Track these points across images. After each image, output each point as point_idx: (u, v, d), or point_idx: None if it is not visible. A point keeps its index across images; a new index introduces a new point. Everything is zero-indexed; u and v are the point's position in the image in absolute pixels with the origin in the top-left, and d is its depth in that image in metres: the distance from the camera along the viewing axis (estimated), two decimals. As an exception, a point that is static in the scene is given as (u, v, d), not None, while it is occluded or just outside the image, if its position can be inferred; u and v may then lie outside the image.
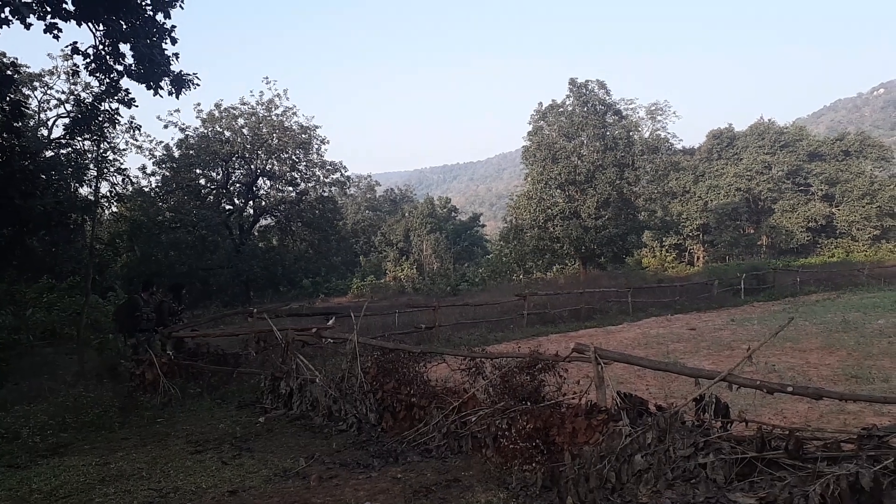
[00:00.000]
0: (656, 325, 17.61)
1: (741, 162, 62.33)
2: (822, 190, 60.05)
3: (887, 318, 15.69)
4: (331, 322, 10.96)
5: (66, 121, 26.77)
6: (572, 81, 42.81)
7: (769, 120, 67.64)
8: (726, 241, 59.40)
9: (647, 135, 45.65)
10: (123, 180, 33.02)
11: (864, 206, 57.42)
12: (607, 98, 43.00)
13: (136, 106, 15.31)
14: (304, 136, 40.60)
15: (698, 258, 60.47)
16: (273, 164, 41.27)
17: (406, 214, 64.24)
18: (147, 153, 37.71)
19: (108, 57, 13.02)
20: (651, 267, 50.46)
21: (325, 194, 44.00)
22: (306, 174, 42.50)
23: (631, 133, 43.13)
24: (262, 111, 39.23)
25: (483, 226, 74.90)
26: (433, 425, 6.37)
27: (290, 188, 42.53)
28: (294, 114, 40.09)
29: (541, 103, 44.04)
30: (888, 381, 8.59)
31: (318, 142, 41.82)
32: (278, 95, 39.47)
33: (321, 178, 43.19)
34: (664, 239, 58.16)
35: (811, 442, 4.56)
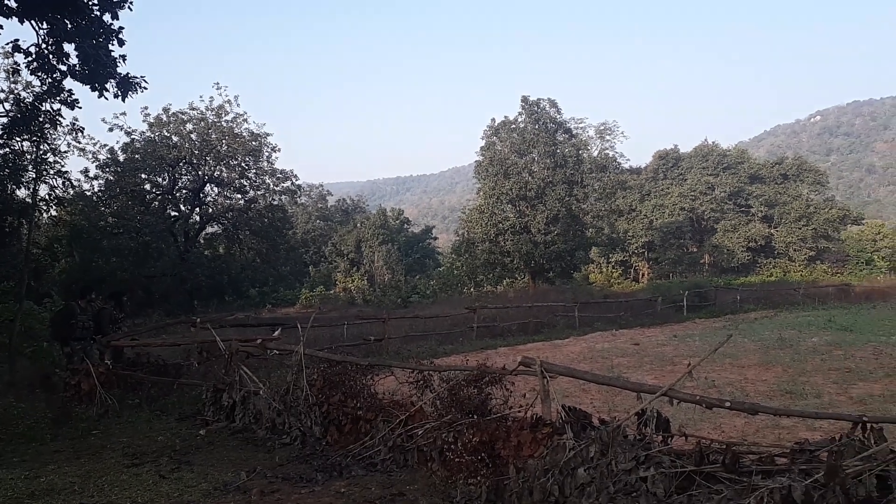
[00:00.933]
0: (602, 340, 17.91)
1: (686, 182, 64.30)
2: (761, 211, 62.45)
3: (821, 336, 16.34)
4: (277, 333, 10.77)
5: (4, 120, 25.65)
6: (525, 99, 43.52)
7: (713, 142, 70.07)
8: (670, 259, 61.08)
9: (595, 153, 46.69)
10: (64, 183, 31.77)
11: (800, 228, 59.96)
12: (558, 116, 43.88)
13: (80, 107, 14.78)
14: (254, 143, 40.00)
15: (643, 275, 61.88)
16: (222, 171, 40.48)
17: (358, 225, 63.84)
18: (90, 156, 36.47)
19: (51, 56, 12.56)
20: (598, 282, 51.43)
21: (275, 203, 43.40)
22: (256, 182, 41.83)
23: (580, 151, 44.07)
24: (211, 117, 38.49)
25: (435, 238, 75.08)
26: (379, 438, 6.31)
27: (239, 195, 41.77)
28: (245, 120, 39.49)
29: (493, 119, 44.70)
30: (820, 396, 8.94)
31: (269, 149, 41.28)
32: (229, 101, 38.84)
33: (271, 186, 42.60)
34: (611, 255, 59.40)
35: (747, 456, 4.68)
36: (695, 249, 64.03)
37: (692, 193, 62.54)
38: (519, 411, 5.83)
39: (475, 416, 5.82)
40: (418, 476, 5.75)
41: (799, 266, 58.68)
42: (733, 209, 63.39)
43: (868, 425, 4.54)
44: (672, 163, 68.22)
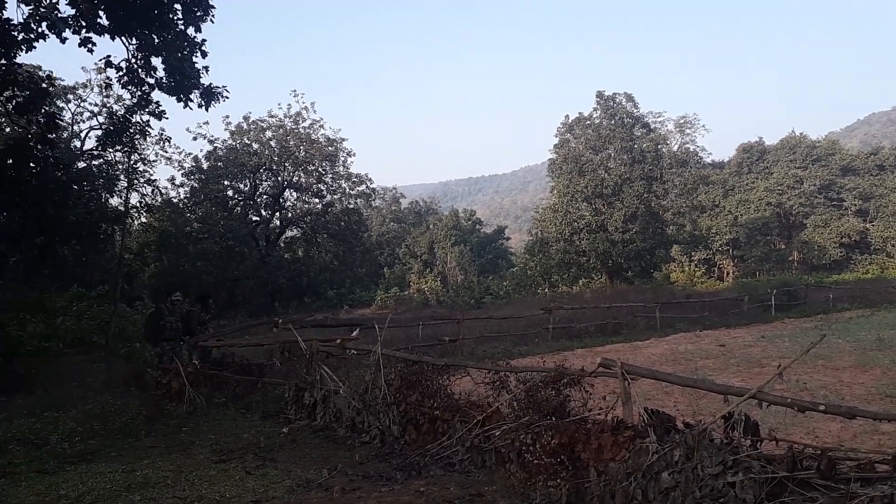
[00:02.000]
0: (684, 341, 17.33)
1: (772, 176, 61.43)
2: (855, 205, 58.88)
3: (924, 336, 15.26)
4: (355, 333, 10.98)
5: (99, 132, 27.42)
6: (599, 94, 42.74)
7: (801, 134, 66.65)
8: (756, 257, 58.41)
9: (675, 148, 45.29)
10: (153, 191, 33.74)
11: (900, 222, 56.13)
12: (635, 111, 42.83)
13: (167, 118, 15.62)
14: (330, 148, 41.03)
15: (728, 273, 59.52)
16: (300, 176, 41.73)
17: (430, 227, 64.35)
18: (176, 164, 38.52)
19: (139, 70, 13.30)
20: (679, 282, 49.79)
21: (351, 206, 44.34)
22: (332, 186, 42.89)
23: (659, 146, 42.84)
24: (289, 124, 39.75)
25: (508, 238, 74.72)
26: (456, 439, 6.33)
27: (316, 200, 42.94)
28: (321, 126, 40.59)
29: (567, 116, 44.09)
30: (926, 401, 8.34)
31: (345, 154, 42.27)
32: (305, 108, 40.00)
33: (347, 189, 43.57)
34: (693, 253, 57.44)
35: (844, 462, 4.42)
36: (783, 246, 60.96)
37: (779, 187, 59.65)
38: (599, 414, 5.71)
39: (553, 418, 5.74)
40: (496, 477, 5.73)
41: (898, 262, 54.94)
42: (824, 203, 60.04)
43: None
44: (757, 156, 65.33)
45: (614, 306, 23.58)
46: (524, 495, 5.19)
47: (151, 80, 13.44)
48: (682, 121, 45.74)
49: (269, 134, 39.80)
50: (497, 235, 70.01)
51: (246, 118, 39.63)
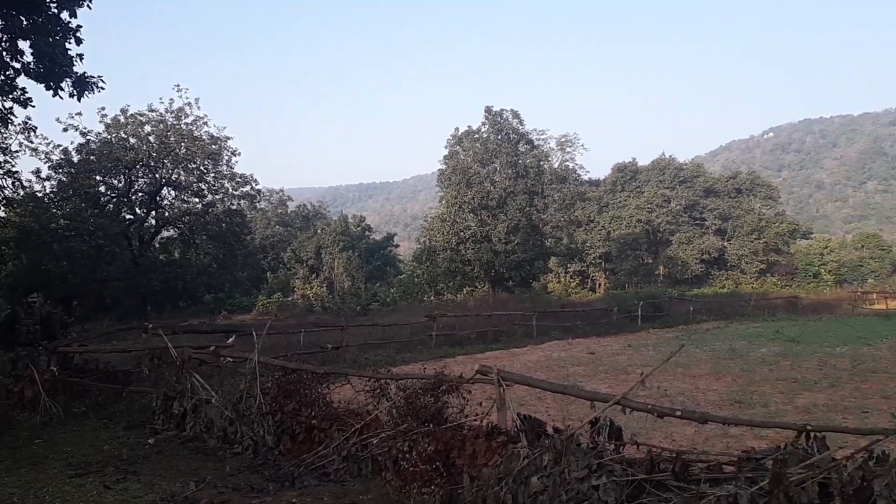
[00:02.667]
0: (558, 349, 18.10)
1: (643, 195, 65.61)
2: (715, 224, 64.14)
3: (769, 346, 16.82)
4: (231, 340, 10.55)
5: (-49, 118, 24.71)
6: (488, 109, 43.91)
7: (670, 156, 71.79)
8: (626, 270, 62.15)
9: (556, 165, 47.34)
10: (14, 184, 30.80)
11: (752, 242, 61.73)
12: (520, 127, 44.36)
13: (34, 106, 14.43)
14: (214, 146, 39.30)
15: (600, 285, 62.80)
16: (179, 174, 39.60)
17: (318, 231, 63.27)
18: (43, 156, 35.25)
19: (4, 53, 12.20)
20: (556, 292, 51.98)
21: (234, 207, 42.65)
22: (214, 186, 41.06)
23: (542, 162, 44.60)
24: (171, 119, 37.65)
25: (397, 246, 74.89)
26: (333, 448, 6.24)
27: (197, 199, 40.93)
28: (205, 123, 38.75)
29: (457, 128, 44.93)
30: (767, 406, 9.19)
31: (229, 153, 40.59)
32: (189, 104, 38.07)
33: (230, 190, 41.86)
34: (569, 265, 60.19)
35: (696, 464, 4.76)
36: (650, 261, 65.31)
37: (649, 206, 63.85)
38: (475, 420, 5.84)
39: (431, 425, 5.81)
40: (372, 486, 5.71)
41: (750, 278, 60.35)
42: (688, 222, 64.94)
43: (812, 434, 4.67)
44: (630, 175, 69.55)
45: (495, 314, 24.24)
46: (398, 503, 5.21)
47: (17, 65, 12.37)
48: (563, 139, 47.96)
49: (147, 129, 37.49)
50: (386, 242, 69.94)
51: (123, 111, 37.10)
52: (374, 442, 6.04)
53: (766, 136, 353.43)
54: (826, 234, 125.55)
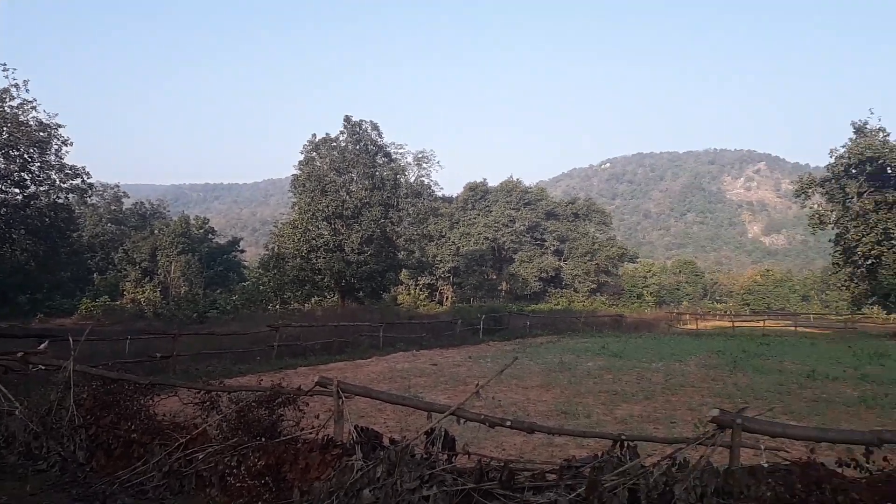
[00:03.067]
0: (403, 360, 18.26)
1: (491, 214, 68.42)
2: (554, 245, 68.42)
3: (595, 361, 18.10)
4: (43, 346, 9.53)
5: None
6: (347, 119, 43.65)
7: (517, 179, 75.61)
8: (472, 284, 64.32)
9: (412, 179, 47.98)
10: None
11: (585, 263, 66.50)
12: (379, 139, 44.57)
13: None
14: (42, 133, 35.71)
15: (447, 298, 64.37)
16: (-1, 161, 35.46)
17: (156, 232, 59.12)
18: None
19: None
20: (405, 304, 52.50)
21: (60, 201, 38.89)
22: (39, 176, 37.21)
23: (398, 176, 45.05)
24: (-8, 100, 33.76)
25: (242, 251, 71.83)
26: (154, 464, 5.82)
27: (17, 190, 36.83)
28: (33, 108, 35.19)
29: (315, 135, 44.25)
30: (590, 416, 9.85)
31: (59, 142, 37.09)
32: (16, 85, 34.38)
33: (57, 182, 38.16)
34: (419, 278, 61.11)
35: (522, 473, 4.98)
36: (494, 276, 68.10)
37: (496, 224, 66.67)
38: (311, 433, 5.72)
39: (263, 439, 5.60)
40: (194, 503, 5.39)
41: (582, 297, 64.81)
42: (530, 242, 68.67)
43: (625, 443, 5.07)
44: (480, 195, 72.24)
45: (342, 325, 23.99)
46: (224, 520, 4.96)
47: None
48: (420, 155, 48.77)
49: (-36, 110, 33.28)
50: (231, 247, 66.91)
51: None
52: (200, 457, 5.71)
53: (603, 165, 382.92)
54: (650, 259, 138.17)
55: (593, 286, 67.11)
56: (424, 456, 5.06)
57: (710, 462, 4.68)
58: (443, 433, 5.27)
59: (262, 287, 44.94)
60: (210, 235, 65.33)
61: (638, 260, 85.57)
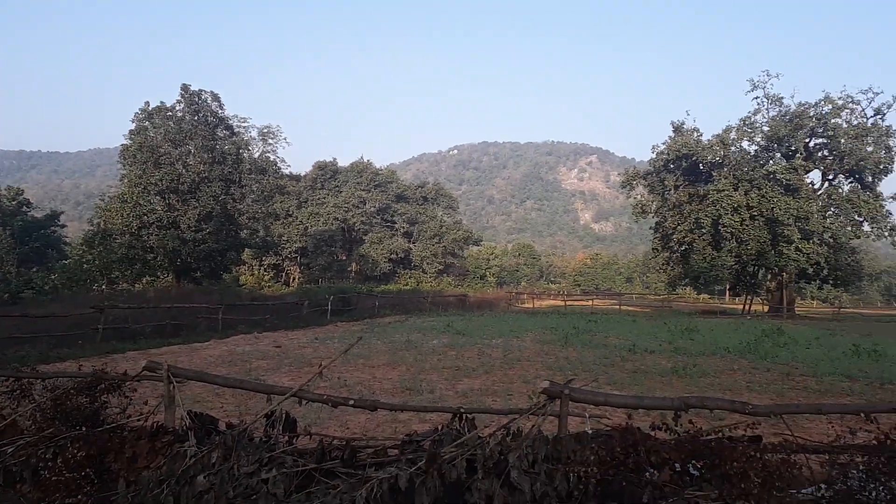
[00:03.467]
0: (244, 343, 17.61)
1: (341, 194, 67.64)
2: (404, 227, 69.15)
3: (440, 338, 18.60)
4: None
5: None
6: (185, 88, 40.86)
7: (368, 161, 75.23)
8: (321, 265, 63.38)
9: (257, 155, 46.08)
10: None
11: (433, 245, 67.96)
12: (220, 111, 42.22)
13: None
14: None
15: (294, 279, 62.91)
16: None
17: (-45, 202, 51.93)
18: None
19: None
20: (248, 285, 50.56)
21: None
22: None
23: (241, 150, 43.02)
24: None
25: (63, 226, 65.11)
26: (-51, 462, 5.15)
27: None
28: None
29: (148, 103, 41.00)
30: (434, 391, 10.12)
31: None
32: None
33: None
34: (264, 258, 59.08)
35: (365, 450, 5.02)
36: (344, 257, 67.59)
37: (346, 205, 66.04)
38: (139, 420, 5.36)
39: (84, 428, 5.16)
40: (3, 500, 4.85)
41: (430, 277, 66.26)
42: (380, 223, 68.88)
43: (464, 416, 5.27)
44: (330, 174, 71.12)
45: (177, 307, 22.64)
46: (36, 518, 4.52)
47: None
48: (265, 130, 46.92)
49: None
50: (49, 221, 60.40)
51: None
52: (10, 451, 5.14)
53: (451, 152, 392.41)
54: (493, 242, 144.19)
55: (440, 267, 68.81)
56: (264, 439, 4.94)
57: (540, 430, 5.00)
58: (283, 415, 5.16)
59: (85, 266, 41.03)
60: (24, 208, 58.58)
61: (482, 243, 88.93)
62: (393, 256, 66.33)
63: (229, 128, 43.19)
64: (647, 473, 4.75)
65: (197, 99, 41.04)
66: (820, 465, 5.00)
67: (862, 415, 5.26)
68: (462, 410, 5.28)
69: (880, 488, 4.60)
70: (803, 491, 4.85)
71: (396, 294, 45.41)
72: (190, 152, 40.78)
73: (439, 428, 5.21)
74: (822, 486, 4.80)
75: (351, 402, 5.37)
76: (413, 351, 15.40)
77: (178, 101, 41.02)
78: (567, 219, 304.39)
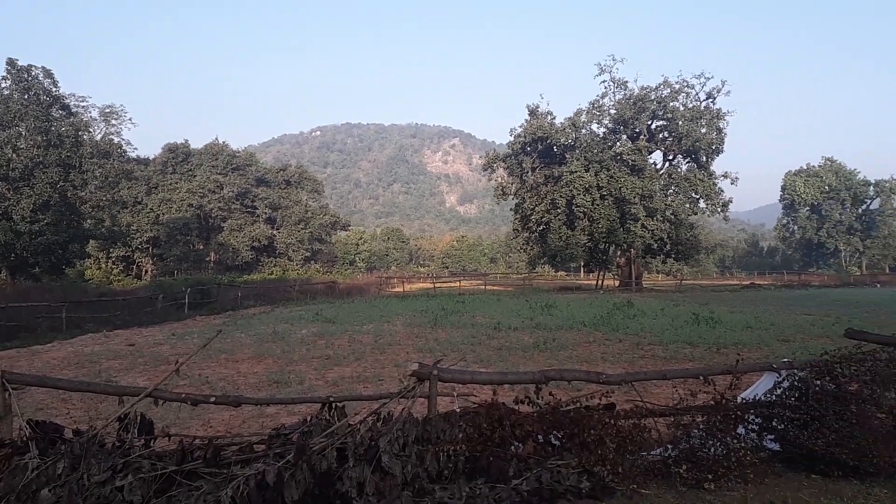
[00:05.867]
0: (92, 343, 16.28)
1: (195, 179, 63.94)
2: (266, 213, 66.69)
3: (309, 328, 18.25)
4: None
5: None
6: (11, 63, 36.88)
7: (224, 142, 71.55)
8: (176, 256, 59.77)
9: (98, 137, 42.48)
10: None
11: (299, 231, 66.23)
12: (54, 89, 38.42)
13: None
14: None
15: (147, 271, 59.01)
16: None
17: None
18: None
19: None
20: (95, 279, 46.77)
21: None
22: None
23: (80, 132, 39.45)
24: None
25: None
26: None
27: None
28: None
29: (-36, 79, 36.30)
30: (303, 382, 9.92)
31: None
32: None
33: None
34: (111, 250, 54.82)
35: (229, 448, 4.83)
36: (201, 247, 64.12)
37: (201, 190, 62.55)
38: (-32, 435, 4.80)
39: None
40: None
41: (296, 265, 64.67)
42: (240, 209, 65.95)
43: (333, 405, 5.22)
44: (182, 157, 67.01)
45: (13, 306, 20.53)
46: None
47: None
48: (108, 110, 43.32)
49: None
50: None
51: None
52: None
53: (314, 133, 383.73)
54: (361, 227, 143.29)
55: (307, 254, 67.29)
56: (117, 444, 4.61)
57: (410, 413, 5.07)
58: (138, 417, 4.85)
59: None
60: None
61: (350, 228, 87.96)
62: (256, 244, 63.84)
63: (66, 107, 39.44)
64: (513, 447, 4.98)
65: (26, 75, 37.07)
66: (667, 426, 5.48)
67: (701, 378, 5.84)
68: (331, 399, 5.23)
69: (717, 444, 5.13)
70: (653, 452, 5.30)
71: (261, 284, 43.93)
72: (21, 135, 36.81)
73: (308, 419, 5.13)
74: (669, 446, 5.27)
75: (212, 400, 5.15)
76: (280, 342, 14.99)
77: (4, 78, 36.86)
78: (434, 202, 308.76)
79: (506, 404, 5.20)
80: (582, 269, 63.67)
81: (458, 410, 5.18)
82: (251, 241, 63.25)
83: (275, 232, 66.77)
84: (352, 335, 16.19)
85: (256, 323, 20.58)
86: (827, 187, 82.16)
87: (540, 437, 5.15)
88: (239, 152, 71.40)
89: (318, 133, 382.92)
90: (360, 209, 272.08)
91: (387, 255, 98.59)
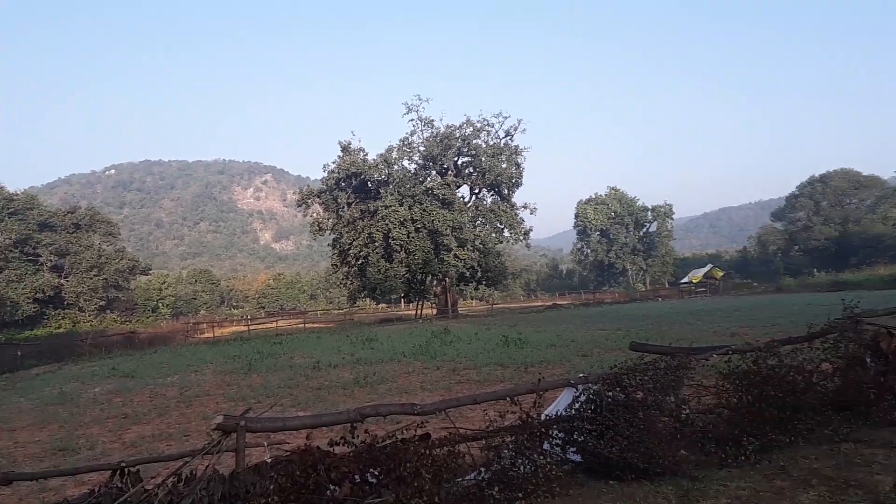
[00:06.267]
0: None
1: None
2: (51, 261, 59.51)
3: (103, 385, 16.45)
4: None
5: None
6: None
7: (-2, 185, 62.99)
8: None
9: None
10: None
11: (91, 278, 59.89)
12: None
13: None
14: None
15: None
16: None
17: None
18: None
19: None
20: None
21: None
22: None
23: None
24: None
25: None
26: None
27: None
28: None
29: None
30: (94, 448, 8.86)
31: None
32: None
33: None
34: None
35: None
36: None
37: (-32, 238, 54.44)
38: None
39: None
40: None
41: (89, 316, 58.39)
42: (20, 258, 58.25)
43: (126, 470, 4.71)
44: (-59, 201, 57.97)
45: None
46: None
47: None
48: None
49: None
50: None
51: None
52: None
53: (107, 172, 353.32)
54: (165, 269, 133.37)
55: (102, 303, 60.98)
56: None
57: (216, 470, 4.72)
58: None
59: None
60: None
61: (151, 272, 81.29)
62: (39, 296, 56.51)
63: None
64: (328, 491, 4.82)
65: None
66: (480, 450, 5.63)
67: (508, 399, 6.11)
68: (123, 465, 4.74)
69: (526, 462, 5.37)
70: (467, 477, 5.41)
71: (46, 339, 38.93)
72: None
73: (97, 489, 4.59)
74: (482, 469, 5.41)
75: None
76: (68, 404, 13.32)
77: None
78: (246, 239, 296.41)
79: (320, 447, 5.03)
80: (402, 300, 64.55)
81: (270, 460, 4.92)
82: (34, 292, 55.97)
83: (62, 281, 59.76)
84: (154, 389, 14.86)
85: (40, 384, 18.18)
86: (613, 213, 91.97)
87: (357, 476, 5.04)
88: (17, 195, 63.07)
89: (113, 172, 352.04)
90: (162, 251, 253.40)
91: (195, 299, 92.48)
